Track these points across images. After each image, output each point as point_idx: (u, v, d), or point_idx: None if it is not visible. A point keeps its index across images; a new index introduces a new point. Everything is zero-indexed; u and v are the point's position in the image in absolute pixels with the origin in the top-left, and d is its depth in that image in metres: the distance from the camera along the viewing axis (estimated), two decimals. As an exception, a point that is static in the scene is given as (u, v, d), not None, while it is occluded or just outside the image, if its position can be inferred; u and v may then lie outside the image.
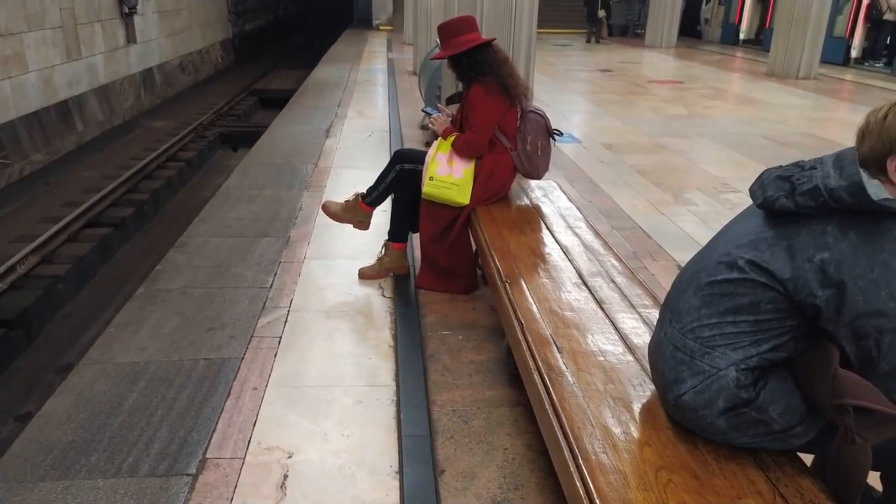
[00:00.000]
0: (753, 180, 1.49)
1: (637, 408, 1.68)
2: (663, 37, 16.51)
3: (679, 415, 1.52)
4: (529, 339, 2.03)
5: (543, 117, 3.25)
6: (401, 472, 2.08)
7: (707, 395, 1.43)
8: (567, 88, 10.31)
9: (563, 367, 1.85)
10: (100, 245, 6.07)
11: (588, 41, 17.83)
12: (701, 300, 1.46)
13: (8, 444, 3.64)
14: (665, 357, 1.53)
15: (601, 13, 18.05)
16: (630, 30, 20.13)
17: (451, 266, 3.32)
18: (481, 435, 2.27)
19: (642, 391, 1.74)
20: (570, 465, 1.50)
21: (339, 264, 3.64)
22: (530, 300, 2.30)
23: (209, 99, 13.07)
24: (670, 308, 1.57)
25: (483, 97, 3.09)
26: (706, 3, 19.08)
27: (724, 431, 1.45)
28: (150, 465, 2.05)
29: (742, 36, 17.59)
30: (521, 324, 2.14)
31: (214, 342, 2.79)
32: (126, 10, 10.50)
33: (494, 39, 3.26)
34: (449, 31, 3.19)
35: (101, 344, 2.74)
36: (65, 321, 5.16)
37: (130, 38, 10.81)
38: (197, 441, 2.16)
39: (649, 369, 1.73)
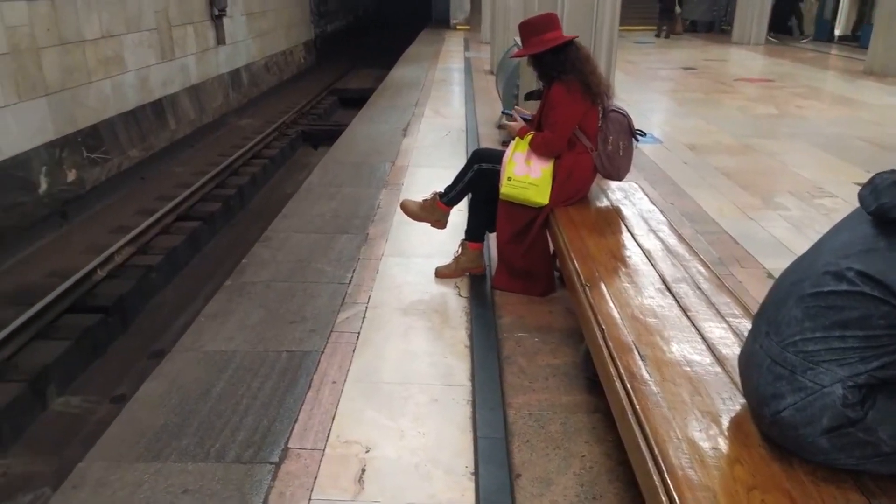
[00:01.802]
0: (861, 185, 1.40)
1: (726, 422, 1.62)
2: (751, 33, 15.79)
3: (775, 432, 1.45)
4: (611, 345, 1.98)
5: (626, 117, 3.18)
6: (476, 473, 2.08)
7: (809, 413, 1.35)
8: (648, 87, 10.03)
9: (647, 376, 1.80)
10: (190, 237, 6.37)
11: (657, 36, 17.40)
12: (804, 312, 1.38)
13: (104, 423, 3.86)
14: (761, 371, 1.46)
15: (677, 9, 17.54)
16: (716, 26, 19.38)
17: (528, 267, 3.30)
18: (558, 441, 2.24)
19: (732, 405, 1.67)
20: (655, 478, 1.45)
21: (415, 262, 3.68)
22: (611, 305, 2.25)
23: (292, 98, 13.49)
24: (767, 319, 1.50)
25: (564, 96, 3.04)
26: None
27: (826, 452, 1.37)
28: (236, 451, 2.13)
29: (838, 32, 16.62)
30: (601, 329, 2.09)
31: (296, 335, 2.87)
32: (216, 13, 10.97)
33: (577, 37, 3.20)
34: (531, 29, 3.16)
35: (192, 332, 2.87)
36: (156, 309, 5.44)
37: (220, 40, 11.29)
38: (279, 431, 2.23)
39: (740, 382, 1.65)
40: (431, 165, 5.69)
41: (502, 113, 4.64)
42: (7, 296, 5.13)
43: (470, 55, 13.85)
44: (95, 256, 5.55)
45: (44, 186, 6.43)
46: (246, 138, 10.14)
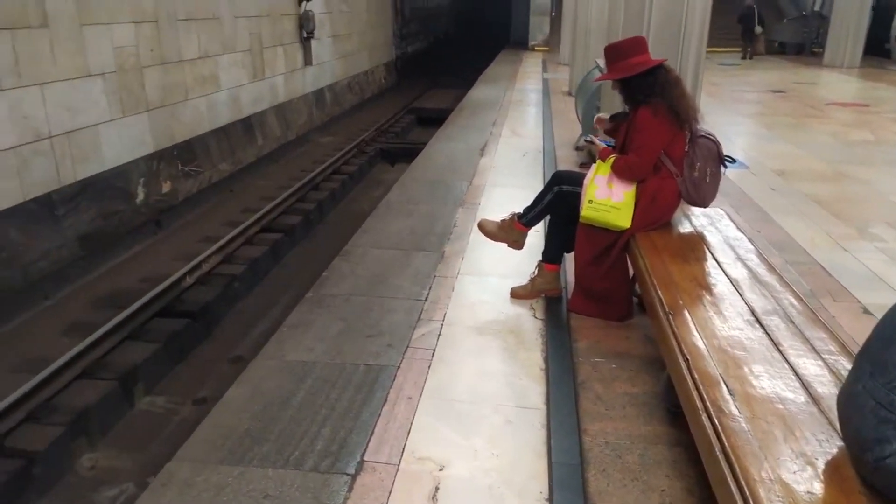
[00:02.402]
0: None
1: (822, 465, 1.53)
2: (845, 55, 15.07)
3: (879, 479, 1.36)
4: (696, 376, 1.92)
5: (716, 143, 3.09)
6: (550, 499, 2.05)
7: (917, 461, 1.27)
8: (733, 109, 9.72)
9: (736, 412, 1.73)
10: (271, 249, 6.60)
11: (743, 57, 16.94)
12: (914, 353, 1.30)
13: (185, 424, 4.04)
14: (863, 413, 1.38)
15: (758, 29, 17.01)
16: (806, 47, 18.62)
17: (606, 291, 3.24)
18: (636, 472, 2.18)
19: (829, 447, 1.58)
20: (745, 519, 1.39)
21: (491, 282, 3.68)
22: (696, 335, 2.18)
23: (372, 116, 13.84)
24: (871, 358, 1.42)
25: (650, 120, 2.99)
26: (899, 20, 17.20)
27: (937, 504, 1.28)
28: (314, 460, 2.18)
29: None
30: (686, 360, 2.03)
31: (373, 349, 2.93)
32: (305, 35, 11.43)
33: (665, 60, 3.15)
34: (617, 52, 3.13)
35: (275, 342, 2.97)
36: (238, 316, 5.65)
37: (307, 61, 11.74)
38: (356, 443, 2.27)
39: (839, 424, 1.56)
40: (508, 185, 5.70)
41: (584, 140, 4.61)
42: (103, 298, 5.46)
43: (548, 76, 13.84)
44: (185, 264, 5.83)
45: (141, 196, 6.83)
46: (327, 155, 10.46)
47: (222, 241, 6.32)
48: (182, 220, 7.42)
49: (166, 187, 7.28)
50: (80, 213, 5.94)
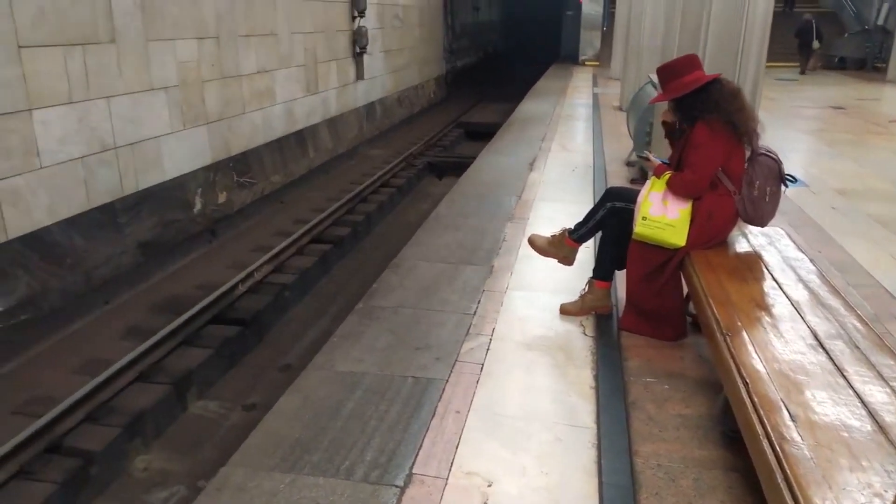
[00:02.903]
0: None
1: (891, 497, 1.47)
2: (912, 70, 14.53)
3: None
4: (756, 400, 1.86)
5: (777, 161, 3.01)
6: (601, 521, 2.01)
7: None
8: (791, 125, 9.46)
9: (798, 438, 1.67)
10: (321, 259, 6.71)
11: (802, 72, 16.51)
12: None
13: (235, 429, 4.11)
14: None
15: (815, 44, 16.54)
16: (868, 63, 18.00)
17: (658, 310, 3.18)
18: (690, 497, 2.12)
19: (899, 479, 1.52)
20: (809, 550, 1.34)
21: (540, 297, 3.66)
22: (755, 357, 2.12)
23: (420, 130, 13.97)
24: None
25: (707, 136, 2.94)
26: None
27: None
28: (363, 471, 2.20)
29: None
30: (745, 383, 1.97)
31: (422, 361, 2.94)
32: (358, 50, 11.65)
33: (720, 75, 3.10)
34: (671, 72, 3.09)
35: (326, 352, 3.02)
36: (287, 325, 5.76)
37: (359, 75, 11.95)
38: (404, 455, 2.28)
39: (910, 455, 1.50)
40: (557, 200, 5.67)
41: (638, 155, 4.55)
42: (160, 304, 5.63)
43: (598, 91, 13.74)
44: (238, 272, 5.97)
45: (198, 206, 7.05)
46: (376, 167, 10.59)
47: (274, 251, 6.45)
48: (236, 229, 7.62)
49: (222, 198, 7.49)
50: (141, 221, 6.16)
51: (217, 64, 7.38)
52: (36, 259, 5.01)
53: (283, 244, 6.67)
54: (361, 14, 11.53)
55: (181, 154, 6.82)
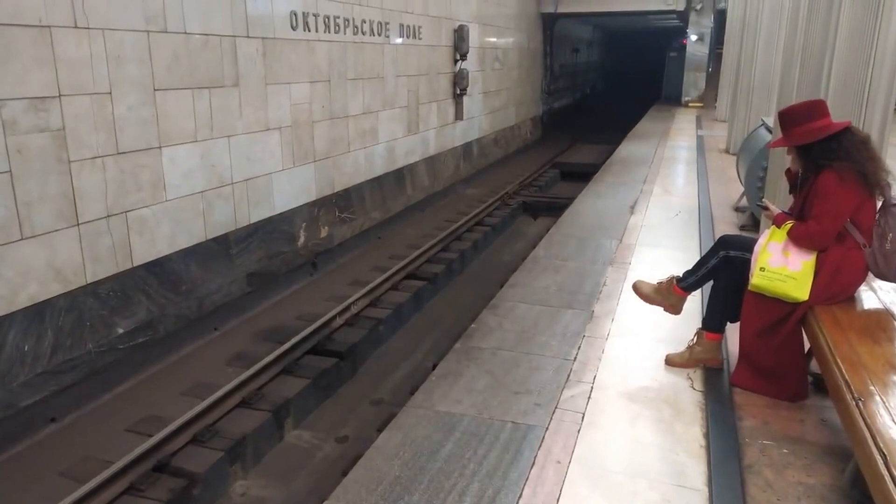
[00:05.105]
0: None
1: None
2: None
3: None
4: (898, 476, 1.69)
5: (912, 212, 2.78)
6: None
7: None
8: (919, 173, 8.77)
9: (953, 524, 1.50)
10: (415, 295, 6.80)
11: None
12: None
13: (328, 461, 4.17)
14: None
15: None
16: None
17: (776, 367, 2.98)
18: (817, 576, 1.94)
19: None
20: None
21: (644, 346, 3.53)
22: (893, 426, 1.93)
23: (516, 170, 14.04)
24: None
25: (836, 185, 2.76)
26: None
27: None
28: (462, 516, 2.16)
29: None
30: (883, 455, 1.80)
31: (521, 406, 2.88)
32: (458, 92, 11.94)
33: (850, 123, 2.92)
34: (795, 117, 2.94)
35: (425, 390, 3.02)
36: (381, 359, 5.84)
37: (458, 116, 12.22)
38: (505, 503, 2.22)
39: None
40: (660, 245, 5.48)
41: (757, 204, 4.35)
42: (263, 332, 5.87)
43: (703, 133, 13.34)
44: (336, 305, 6.14)
45: (302, 239, 7.35)
46: (471, 206, 10.70)
47: (370, 286, 6.60)
48: (335, 263, 7.87)
49: (324, 232, 7.78)
50: (251, 253, 6.49)
51: (327, 105, 7.76)
52: (156, 285, 5.36)
53: (380, 279, 6.81)
54: (464, 57, 11.84)
55: (290, 190, 7.16)
